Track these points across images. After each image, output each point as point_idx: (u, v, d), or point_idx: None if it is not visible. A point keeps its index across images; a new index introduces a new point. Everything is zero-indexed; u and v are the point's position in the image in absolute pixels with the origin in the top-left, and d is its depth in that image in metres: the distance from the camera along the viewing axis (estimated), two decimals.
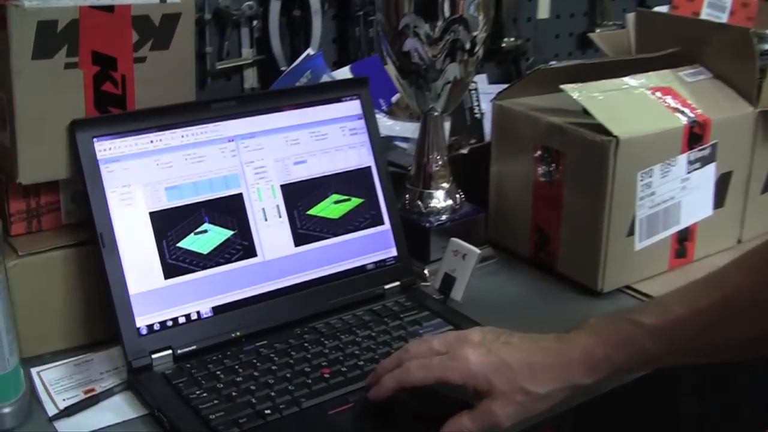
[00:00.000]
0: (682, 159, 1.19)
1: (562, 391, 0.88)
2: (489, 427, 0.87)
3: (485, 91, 1.57)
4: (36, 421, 0.95)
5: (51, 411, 0.96)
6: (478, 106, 1.52)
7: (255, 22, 1.56)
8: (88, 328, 1.06)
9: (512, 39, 1.90)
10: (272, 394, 0.95)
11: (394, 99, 1.57)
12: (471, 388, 0.87)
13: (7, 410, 0.92)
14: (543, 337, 0.91)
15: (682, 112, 1.20)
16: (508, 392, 0.87)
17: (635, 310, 0.92)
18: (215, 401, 0.94)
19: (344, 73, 1.56)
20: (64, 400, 0.97)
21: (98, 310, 1.04)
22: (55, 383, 1.00)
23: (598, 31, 1.96)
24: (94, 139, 1.00)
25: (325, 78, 1.51)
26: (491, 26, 1.21)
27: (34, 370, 1.01)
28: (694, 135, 1.19)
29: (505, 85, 1.34)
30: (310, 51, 1.55)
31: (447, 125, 1.43)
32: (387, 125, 1.48)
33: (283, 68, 1.57)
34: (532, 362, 0.88)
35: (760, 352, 0.89)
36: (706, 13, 1.53)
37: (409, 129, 1.47)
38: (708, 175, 1.23)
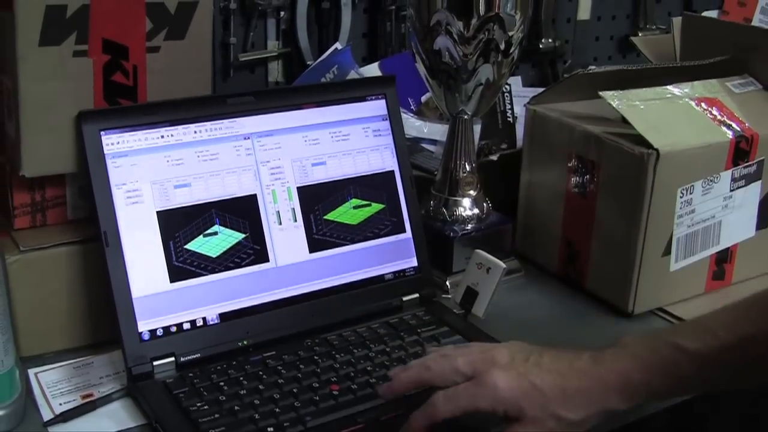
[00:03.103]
0: (726, 176, 1.14)
1: (596, 416, 0.84)
2: None
3: (519, 94, 1.52)
4: (30, 424, 0.91)
5: (46, 415, 0.92)
6: (511, 109, 1.47)
7: (282, 14, 1.52)
8: (92, 329, 1.02)
9: (550, 40, 1.84)
10: (277, 410, 0.90)
11: (423, 98, 1.52)
12: (501, 414, 0.83)
13: (0, 413, 0.89)
14: (576, 357, 0.85)
15: (729, 126, 1.14)
16: (540, 419, 0.82)
17: (676, 332, 0.87)
18: (216, 415, 0.89)
19: (373, 69, 1.52)
20: (60, 404, 0.94)
21: (102, 310, 0.99)
22: (52, 386, 0.97)
23: (640, 35, 1.90)
24: (102, 132, 0.95)
25: (352, 74, 1.47)
26: (528, 26, 1.15)
27: (31, 371, 0.98)
28: (740, 150, 1.14)
29: (540, 89, 1.29)
30: (337, 45, 1.51)
31: (477, 129, 1.38)
32: (415, 126, 1.44)
33: (309, 62, 1.53)
34: (566, 386, 0.83)
35: None
36: (758, 20, 1.47)
37: (438, 131, 1.43)
38: (753, 194, 1.18)
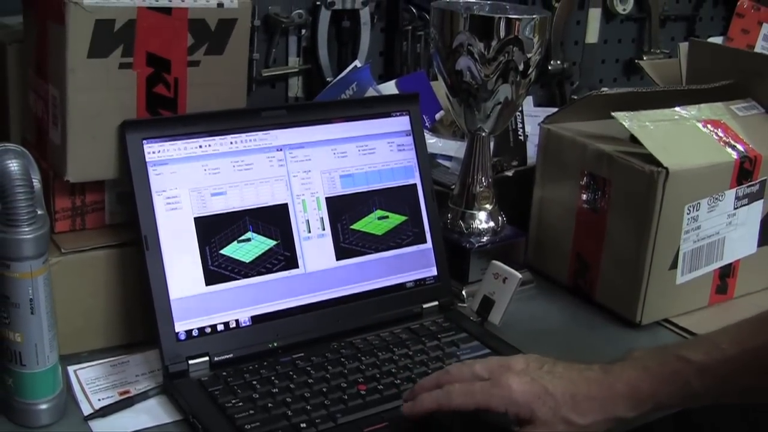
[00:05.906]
0: (730, 194, 1.18)
1: (604, 423, 0.87)
2: None
3: (530, 113, 1.56)
4: (71, 419, 0.95)
5: (86, 410, 0.96)
6: (522, 127, 1.51)
7: (303, 31, 1.56)
8: (126, 329, 1.06)
9: (558, 62, 1.89)
10: (308, 407, 0.94)
11: (438, 116, 1.56)
12: (513, 416, 0.87)
13: (44, 407, 0.93)
14: (588, 368, 0.90)
15: (733, 147, 1.19)
16: (550, 422, 0.86)
17: (683, 346, 0.91)
18: (250, 411, 0.93)
19: (390, 87, 1.55)
20: (99, 400, 0.97)
21: (137, 312, 1.04)
22: (91, 383, 1.00)
23: (645, 58, 1.95)
24: (144, 141, 1.00)
25: (370, 91, 1.50)
26: (545, 49, 1.20)
27: (71, 368, 1.01)
28: (744, 170, 1.18)
29: (549, 108, 1.33)
30: (357, 63, 1.55)
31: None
32: (430, 142, 1.47)
33: (329, 79, 1.57)
34: (576, 393, 0.87)
35: None
36: (761, 47, 1.52)
37: (453, 147, 1.47)
38: (755, 212, 1.22)
